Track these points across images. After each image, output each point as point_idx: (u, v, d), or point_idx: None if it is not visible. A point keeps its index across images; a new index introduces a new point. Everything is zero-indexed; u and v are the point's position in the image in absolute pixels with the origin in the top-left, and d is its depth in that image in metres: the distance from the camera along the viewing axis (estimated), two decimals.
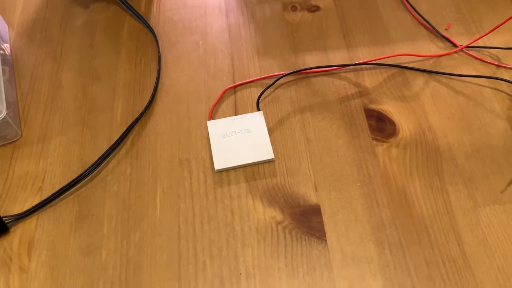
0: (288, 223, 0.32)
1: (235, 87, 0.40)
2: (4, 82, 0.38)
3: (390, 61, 0.40)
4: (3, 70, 0.39)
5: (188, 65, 0.41)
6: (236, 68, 0.41)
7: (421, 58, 0.40)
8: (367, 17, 0.44)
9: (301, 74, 0.40)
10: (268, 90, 0.39)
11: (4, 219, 0.33)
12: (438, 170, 0.34)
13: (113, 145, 0.36)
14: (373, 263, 0.31)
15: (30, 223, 0.34)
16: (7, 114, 0.35)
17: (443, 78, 0.39)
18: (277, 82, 0.39)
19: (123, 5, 0.45)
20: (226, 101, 0.39)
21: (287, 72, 0.39)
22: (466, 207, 0.32)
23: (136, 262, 0.31)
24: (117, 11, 0.46)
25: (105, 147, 0.37)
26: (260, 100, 0.38)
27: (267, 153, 0.35)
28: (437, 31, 0.42)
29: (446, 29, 0.42)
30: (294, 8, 0.45)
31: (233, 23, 0.44)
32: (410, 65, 0.40)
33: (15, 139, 0.38)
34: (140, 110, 0.39)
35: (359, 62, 0.40)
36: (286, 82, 0.40)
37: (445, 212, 0.32)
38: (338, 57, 0.41)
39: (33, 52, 0.43)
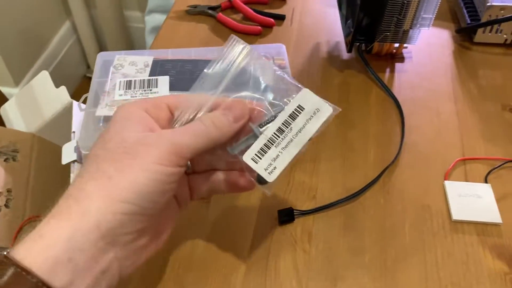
0: None
1: (465, 159, 0.50)
2: None
3: None
4: None
5: (425, 133, 0.52)
6: (464, 145, 0.51)
7: None
8: None
9: None
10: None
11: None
12: None
13: (372, 181, 0.47)
14: None
15: (308, 219, 0.45)
16: None
17: None
18: (504, 165, 0.49)
19: (372, 75, 0.58)
20: (458, 169, 0.49)
21: None
22: None
23: (393, 271, 0.41)
24: (365, 79, 0.59)
25: (361, 179, 0.48)
26: (488, 175, 0.48)
27: (495, 217, 0.44)
28: None
29: None
30: (511, 110, 0.55)
31: (461, 109, 0.55)
32: None
33: None
34: (388, 157, 0.50)
35: None
36: (508, 166, 0.49)
37: None
38: None
39: None
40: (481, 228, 0.44)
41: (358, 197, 0.46)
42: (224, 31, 0.66)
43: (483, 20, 0.61)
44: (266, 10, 0.69)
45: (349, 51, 0.58)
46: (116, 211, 0.29)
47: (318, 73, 0.60)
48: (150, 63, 0.54)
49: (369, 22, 0.55)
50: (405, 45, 0.60)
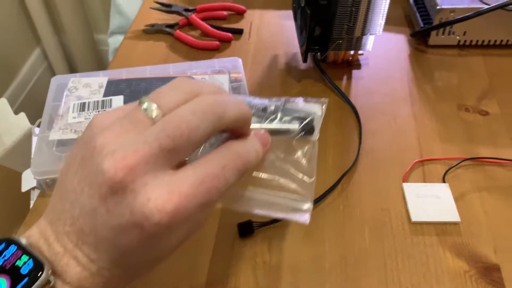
0: (473, 273, 0.41)
1: (423, 161, 0.50)
2: None
3: None
4: None
5: (383, 137, 0.53)
6: (422, 147, 0.51)
7: None
8: None
9: (477, 161, 0.50)
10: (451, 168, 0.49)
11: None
12: None
13: (330, 187, 0.47)
14: None
15: (268, 230, 0.44)
16: None
17: None
18: (461, 163, 0.49)
19: (329, 83, 0.59)
20: (416, 171, 0.49)
21: (468, 158, 0.49)
22: None
23: (353, 277, 0.41)
24: (323, 87, 0.59)
25: (321, 186, 0.48)
26: (445, 174, 0.48)
27: (454, 216, 0.45)
28: None
29: None
30: (467, 110, 0.56)
31: (417, 112, 0.56)
32: None
33: None
34: (347, 164, 0.50)
35: None
36: (465, 165, 0.50)
37: None
38: (506, 153, 0.51)
39: None
40: (441, 228, 0.44)
41: (317, 204, 0.46)
42: (182, 48, 0.66)
43: (435, 23, 0.62)
44: (224, 25, 0.69)
45: (304, 61, 0.58)
46: None
47: (277, 84, 0.60)
48: (105, 84, 0.53)
49: (321, 31, 0.55)
50: (361, 52, 0.61)
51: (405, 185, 0.48)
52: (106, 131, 0.25)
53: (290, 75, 0.61)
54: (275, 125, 0.34)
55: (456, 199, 0.46)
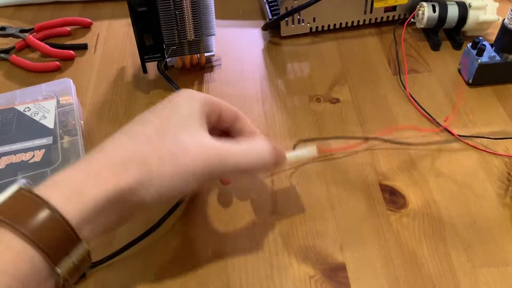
0: (319, 278, 0.39)
1: None
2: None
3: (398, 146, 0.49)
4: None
5: None
6: None
7: (425, 144, 0.49)
8: (379, 109, 0.53)
9: (327, 152, 0.48)
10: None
11: None
12: (442, 237, 0.41)
13: (170, 210, 0.44)
14: None
15: (102, 270, 0.40)
16: None
17: (444, 162, 0.47)
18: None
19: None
20: None
21: None
22: (466, 269, 0.39)
23: None
24: None
25: (160, 210, 0.44)
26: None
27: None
28: (437, 122, 0.51)
29: (444, 121, 0.51)
30: (318, 100, 0.54)
31: (268, 110, 0.53)
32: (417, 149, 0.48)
33: None
34: None
35: (373, 137, 0.48)
36: (313, 159, 0.48)
37: (448, 272, 0.39)
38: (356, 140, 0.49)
39: (102, 127, 0.52)
40: (286, 232, 0.42)
41: (157, 230, 0.43)
42: (19, 74, 0.59)
43: (281, 13, 0.60)
44: (68, 42, 0.64)
45: (144, 71, 0.54)
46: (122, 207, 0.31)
47: (122, 99, 0.56)
48: None
49: (153, 39, 0.51)
50: (209, 54, 0.58)
51: None
52: None
53: (138, 88, 0.57)
54: None
55: (304, 197, 0.45)
